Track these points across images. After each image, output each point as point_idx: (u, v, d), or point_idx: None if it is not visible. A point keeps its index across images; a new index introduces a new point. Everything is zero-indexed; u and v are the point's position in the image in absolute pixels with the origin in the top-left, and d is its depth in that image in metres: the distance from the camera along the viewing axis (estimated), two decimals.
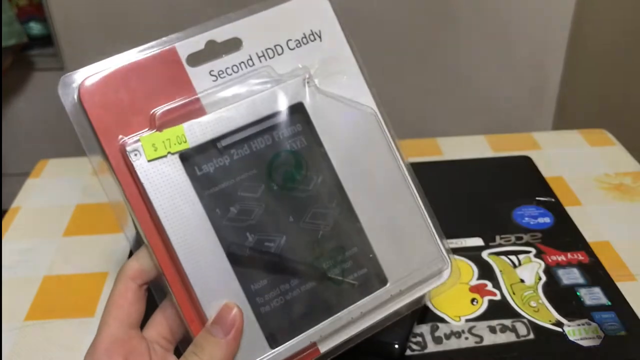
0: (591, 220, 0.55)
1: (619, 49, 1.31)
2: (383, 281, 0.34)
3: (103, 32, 1.31)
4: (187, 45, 0.33)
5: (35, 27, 1.47)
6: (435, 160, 0.65)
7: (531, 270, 0.48)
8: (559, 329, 0.43)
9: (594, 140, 0.68)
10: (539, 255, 0.50)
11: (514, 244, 0.51)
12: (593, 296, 0.46)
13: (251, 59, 0.34)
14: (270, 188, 0.33)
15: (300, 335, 0.32)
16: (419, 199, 0.35)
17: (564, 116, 1.38)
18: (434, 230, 0.36)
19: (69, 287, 0.50)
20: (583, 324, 0.43)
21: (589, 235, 0.52)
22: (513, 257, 0.50)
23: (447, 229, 0.37)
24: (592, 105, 1.40)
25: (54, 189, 0.63)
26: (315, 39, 0.35)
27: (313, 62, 0.35)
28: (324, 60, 0.35)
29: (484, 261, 0.50)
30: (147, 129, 0.31)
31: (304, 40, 0.35)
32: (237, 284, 0.32)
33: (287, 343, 0.32)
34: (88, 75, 0.31)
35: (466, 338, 0.43)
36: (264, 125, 0.33)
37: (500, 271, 0.48)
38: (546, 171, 0.61)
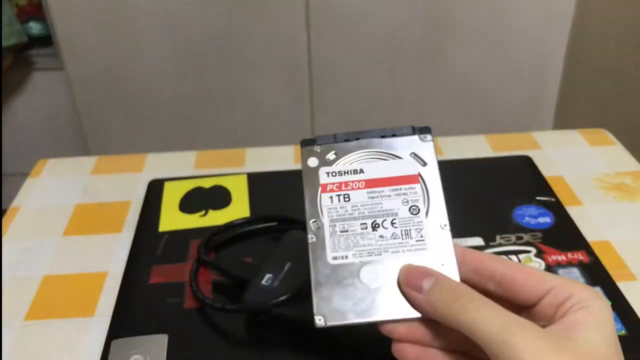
0: (591, 220, 0.55)
1: (618, 49, 1.31)
2: None
3: (103, 32, 1.31)
4: None
5: (35, 27, 1.47)
6: None
7: None
8: None
9: (594, 140, 0.68)
10: (539, 254, 0.50)
11: (515, 244, 0.51)
12: None
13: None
14: None
15: None
16: None
17: (564, 116, 1.38)
18: None
19: (69, 287, 0.50)
20: None
21: (589, 235, 0.52)
22: (513, 257, 0.50)
23: None
24: (592, 105, 1.40)
25: (54, 188, 0.63)
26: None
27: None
28: None
29: None
30: None
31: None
32: None
33: None
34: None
35: None
36: None
37: None
38: (546, 171, 0.61)
